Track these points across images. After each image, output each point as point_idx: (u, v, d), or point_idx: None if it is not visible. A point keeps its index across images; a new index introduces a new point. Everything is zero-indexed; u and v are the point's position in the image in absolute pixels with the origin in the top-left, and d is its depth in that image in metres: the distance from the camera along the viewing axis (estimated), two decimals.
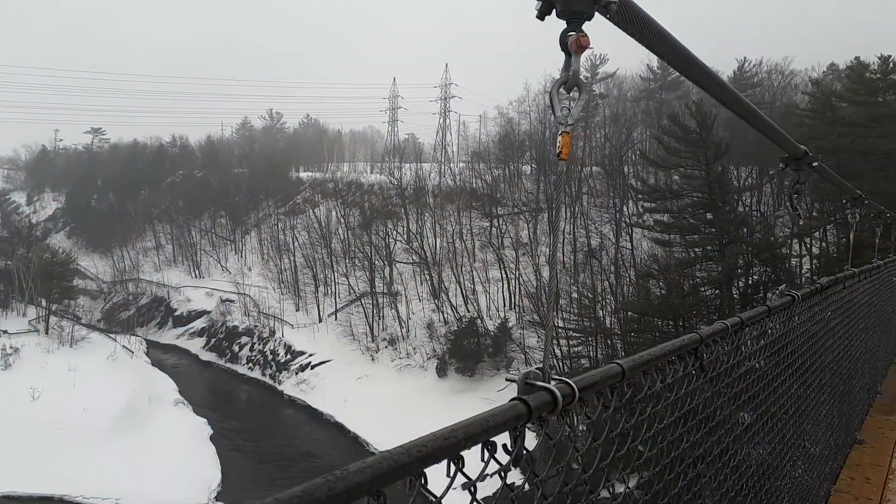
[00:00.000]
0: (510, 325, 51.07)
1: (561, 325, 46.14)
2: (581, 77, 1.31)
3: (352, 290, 61.73)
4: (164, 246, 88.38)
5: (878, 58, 48.39)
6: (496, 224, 64.02)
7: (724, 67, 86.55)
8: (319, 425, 46.02)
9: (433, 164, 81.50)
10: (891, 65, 47.71)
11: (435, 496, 1.06)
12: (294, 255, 69.78)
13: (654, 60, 76.99)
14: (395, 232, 65.71)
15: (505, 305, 56.20)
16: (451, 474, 1.08)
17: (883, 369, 9.05)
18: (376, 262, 62.39)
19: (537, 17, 1.32)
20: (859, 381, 6.48)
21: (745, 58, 73.75)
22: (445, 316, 55.49)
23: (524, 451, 1.23)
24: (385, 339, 55.87)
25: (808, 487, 4.59)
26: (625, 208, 59.11)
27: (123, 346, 55.41)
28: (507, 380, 1.36)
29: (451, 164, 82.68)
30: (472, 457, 1.09)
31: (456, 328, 51.42)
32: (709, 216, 41.71)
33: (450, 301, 56.34)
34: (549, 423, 2.01)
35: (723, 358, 2.66)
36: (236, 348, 61.78)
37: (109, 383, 43.22)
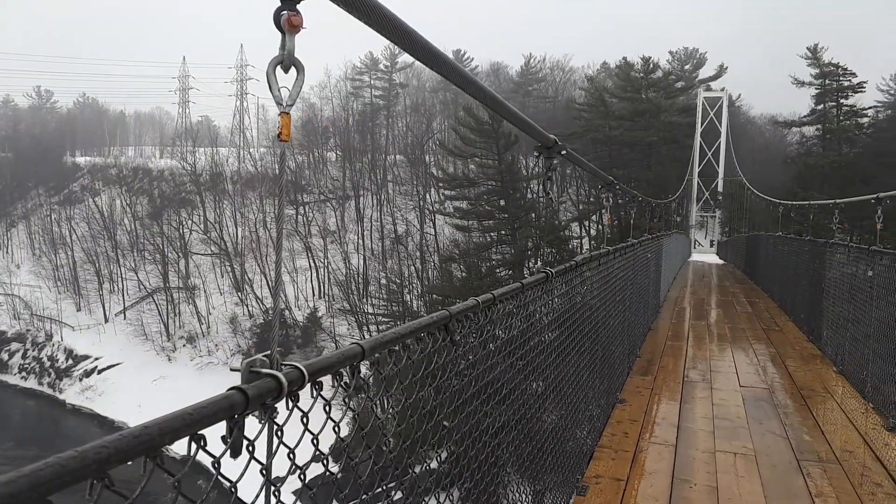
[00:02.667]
0: (320, 314, 50.48)
1: (371, 311, 46.64)
2: (297, 57, 1.28)
3: (142, 286, 56.79)
4: None
5: (641, 58, 54.69)
6: (302, 212, 62.56)
7: (512, 62, 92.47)
8: (110, 434, 41.82)
9: (231, 149, 77.42)
10: (651, 65, 54.10)
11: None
12: (72, 250, 62.42)
13: (448, 51, 79.61)
14: (190, 221, 61.56)
15: (314, 295, 55.35)
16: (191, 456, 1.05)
17: (642, 335, 10.30)
18: (169, 254, 58.05)
19: None
20: (619, 348, 7.32)
21: (530, 54, 79.14)
22: (250, 309, 53.31)
23: (246, 440, 1.20)
24: (183, 336, 52.27)
25: (580, 445, 5.09)
26: (428, 196, 60.83)
27: None
28: (231, 370, 1.29)
29: (251, 150, 79.07)
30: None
31: (262, 321, 49.64)
32: (502, 203, 44.32)
33: (255, 293, 54.17)
34: (363, 408, 1.99)
35: (503, 331, 2.85)
36: (5, 356, 54.01)
37: None
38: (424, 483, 2.72)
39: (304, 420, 1.39)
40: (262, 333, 47.53)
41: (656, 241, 12.75)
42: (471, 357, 2.45)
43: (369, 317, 45.84)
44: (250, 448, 1.20)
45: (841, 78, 45.68)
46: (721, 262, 37.16)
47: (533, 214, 48.44)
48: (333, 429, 1.63)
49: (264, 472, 1.27)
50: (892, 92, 54.94)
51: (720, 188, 49.82)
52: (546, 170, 3.52)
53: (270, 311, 50.72)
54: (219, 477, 1.12)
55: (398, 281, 49.11)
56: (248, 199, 63.66)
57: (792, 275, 13.33)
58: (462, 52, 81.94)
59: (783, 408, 6.87)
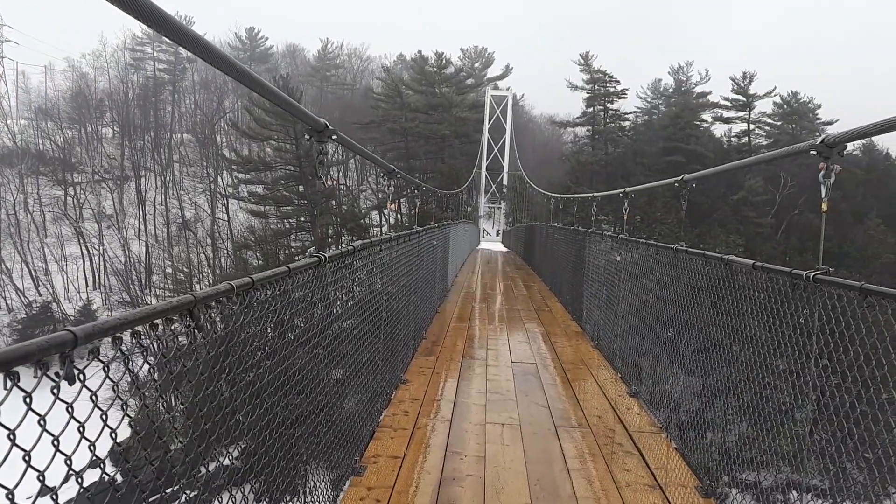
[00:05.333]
0: (95, 307, 45.57)
1: (155, 302, 43.00)
2: None
3: None
4: None
5: (435, 53, 56.65)
6: (72, 193, 55.81)
7: (310, 45, 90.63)
8: None
9: None
10: (444, 61, 56.23)
11: None
12: None
13: (241, 28, 75.99)
14: None
15: (88, 286, 49.84)
16: None
17: (428, 318, 10.75)
18: None
19: None
20: (404, 330, 7.56)
21: (327, 39, 78.31)
22: (9, 303, 46.51)
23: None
24: None
25: (360, 427, 5.18)
26: (220, 179, 57.66)
27: None
28: None
29: (9, 121, 68.75)
30: None
31: (24, 316, 43.54)
32: (300, 188, 43.42)
33: (14, 284, 47.34)
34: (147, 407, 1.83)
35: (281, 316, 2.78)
36: None
37: None
38: (217, 480, 2.61)
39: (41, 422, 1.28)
40: (23, 330, 41.72)
41: (443, 229, 13.37)
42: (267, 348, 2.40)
43: None
44: None
45: (607, 84, 51.23)
46: (505, 249, 39.98)
47: (333, 202, 48.13)
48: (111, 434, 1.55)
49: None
50: (648, 99, 62.88)
51: (505, 181, 53.50)
52: (317, 154, 3.51)
53: (34, 304, 44.76)
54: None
55: (186, 270, 46.04)
56: (4, 177, 55.35)
57: (560, 261, 14.75)
58: (256, 31, 78.54)
59: (547, 381, 7.60)
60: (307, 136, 3.45)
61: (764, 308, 3.93)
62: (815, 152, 3.33)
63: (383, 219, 55.63)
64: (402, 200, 55.19)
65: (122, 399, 1.64)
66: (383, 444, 5.25)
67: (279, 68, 70.37)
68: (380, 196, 57.16)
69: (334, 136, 3.57)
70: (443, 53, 56.94)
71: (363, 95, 65.09)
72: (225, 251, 51.01)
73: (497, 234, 52.31)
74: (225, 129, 62.46)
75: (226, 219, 53.66)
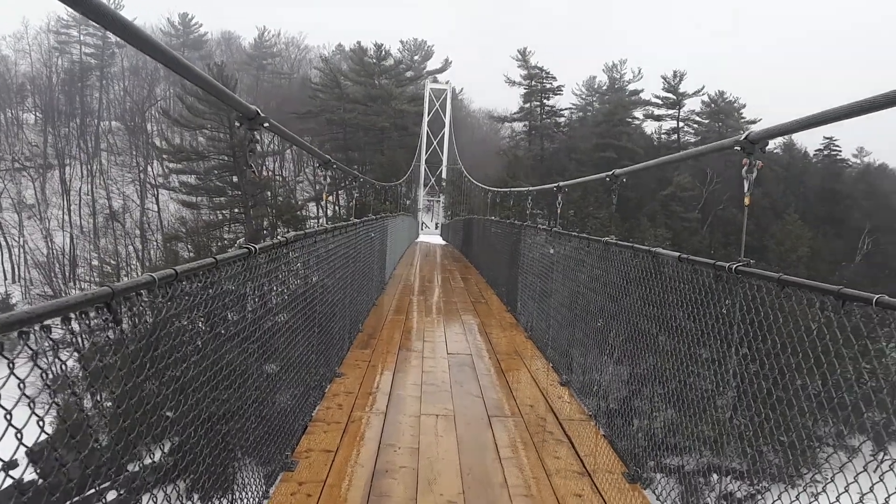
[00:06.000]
0: (14, 301, 43.25)
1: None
2: None
3: None
4: None
5: (374, 45, 56.14)
6: None
7: (246, 33, 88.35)
8: None
9: None
10: (383, 52, 55.82)
11: None
12: None
13: (174, 14, 73.46)
14: None
15: (6, 279, 47.23)
16: None
17: (365, 310, 10.67)
18: None
19: None
20: (339, 323, 7.48)
21: (264, 27, 76.54)
22: None
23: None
24: None
25: (292, 422, 5.09)
26: (150, 168, 55.65)
27: None
28: None
29: None
30: None
31: None
32: (234, 179, 42.39)
33: None
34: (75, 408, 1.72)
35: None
36: None
37: None
38: (143, 479, 2.51)
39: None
40: None
41: (381, 222, 13.30)
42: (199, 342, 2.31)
43: None
44: None
45: (544, 80, 52.02)
46: (444, 242, 40.11)
47: (269, 193, 47.22)
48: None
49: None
50: (583, 96, 64.14)
51: (444, 175, 53.63)
52: (248, 142, 3.42)
53: None
54: None
55: (113, 262, 44.29)
56: None
57: (496, 253, 14.90)
58: (189, 17, 75.94)
59: (482, 371, 7.67)
60: (238, 124, 3.35)
61: (689, 299, 4.07)
62: (738, 148, 3.46)
63: (321, 210, 54.99)
64: (340, 192, 54.56)
65: (28, 398, 1.56)
66: (316, 439, 5.19)
67: (214, 56, 68.29)
68: (317, 187, 56.39)
69: (266, 124, 3.48)
70: (382, 45, 56.54)
71: (301, 85, 63.91)
72: (155, 243, 49.27)
73: (436, 227, 52.42)
74: (156, 117, 60.23)
75: (156, 210, 51.82)
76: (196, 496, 3.85)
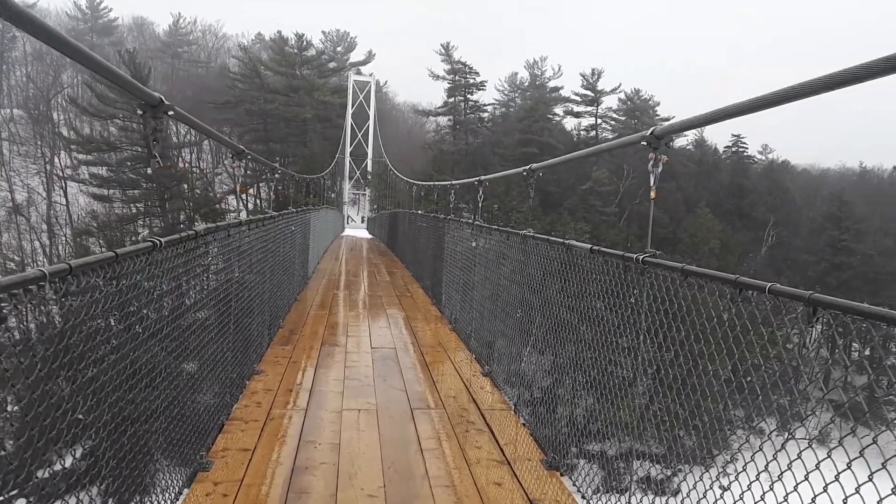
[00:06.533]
0: None
1: None
2: None
3: None
4: None
5: (296, 34, 54.97)
6: None
7: (160, 19, 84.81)
8: None
9: None
10: (304, 42, 54.74)
11: None
12: None
13: None
14: None
15: None
16: None
17: (287, 306, 10.47)
18: None
19: None
20: (258, 319, 7.30)
21: (179, 13, 73.64)
22: None
23: None
24: None
25: (206, 421, 4.93)
26: (57, 159, 52.57)
27: None
28: None
29: None
30: None
31: None
32: (149, 171, 40.66)
33: None
34: None
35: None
36: None
37: None
38: (53, 485, 2.37)
39: None
40: None
41: (302, 215, 13.05)
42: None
43: None
44: None
45: (468, 75, 52.39)
46: (370, 236, 39.85)
47: (186, 185, 45.59)
48: None
49: None
50: (506, 92, 65.04)
51: (370, 168, 53.21)
52: (152, 131, 3.26)
53: None
54: None
55: (17, 258, 41.67)
56: None
57: (422, 247, 14.93)
58: (97, 1, 72.07)
59: (406, 365, 7.67)
60: (140, 111, 3.19)
61: (605, 290, 4.19)
62: (645, 143, 3.58)
63: (241, 204, 53.45)
64: (261, 185, 53.18)
65: None
66: (233, 438, 5.05)
67: (125, 42, 65.16)
68: (237, 180, 54.78)
69: (171, 112, 3.34)
70: (304, 35, 55.36)
71: (219, 75, 61.80)
72: (63, 238, 46.62)
73: (362, 221, 51.94)
74: (63, 105, 56.88)
75: (64, 203, 48.99)
76: (111, 500, 3.69)
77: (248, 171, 48.65)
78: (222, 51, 74.83)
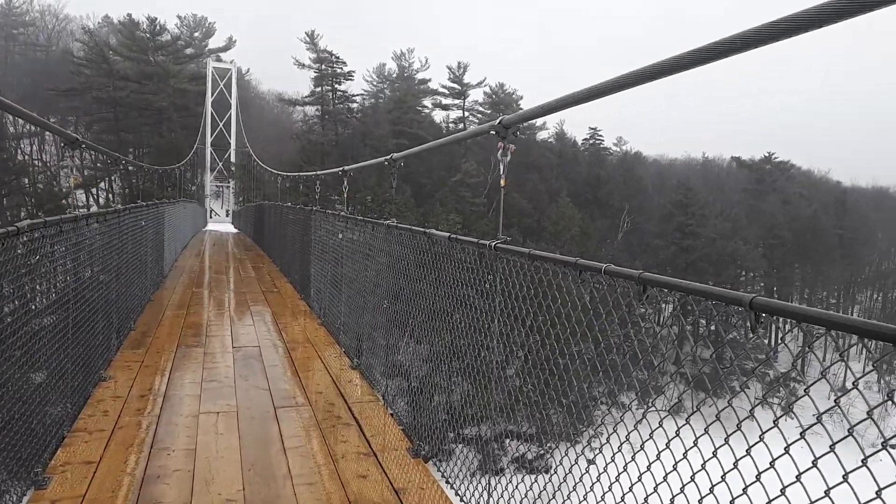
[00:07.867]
0: None
1: None
2: None
3: None
4: None
5: (147, 18, 51.43)
6: None
7: None
8: None
9: None
10: (158, 27, 51.38)
11: None
12: None
13: None
14: None
15: None
16: None
17: (139, 307, 9.80)
18: None
19: None
20: (103, 321, 6.76)
21: None
22: None
23: None
24: None
25: (41, 436, 4.50)
26: None
27: None
28: None
29: None
30: None
31: None
32: None
33: None
34: None
35: None
36: None
37: None
38: None
39: None
40: None
41: (154, 208, 12.24)
42: None
43: None
44: None
45: (334, 65, 51.54)
46: (236, 231, 38.23)
47: (26, 180, 41.63)
48: None
49: None
50: (374, 83, 64.72)
51: (233, 159, 50.97)
52: None
53: None
54: None
55: None
56: None
57: (289, 241, 14.53)
58: None
59: (271, 363, 7.42)
60: None
61: (470, 279, 4.25)
62: (494, 132, 3.67)
63: (91, 199, 49.34)
64: (114, 178, 49.34)
65: None
66: (75, 450, 4.65)
67: None
68: (85, 174, 50.60)
69: None
70: (156, 19, 51.82)
71: (61, 59, 56.45)
72: None
73: (227, 215, 49.64)
74: None
75: None
76: None
77: (99, 165, 45.04)
78: (65, 33, 68.41)
